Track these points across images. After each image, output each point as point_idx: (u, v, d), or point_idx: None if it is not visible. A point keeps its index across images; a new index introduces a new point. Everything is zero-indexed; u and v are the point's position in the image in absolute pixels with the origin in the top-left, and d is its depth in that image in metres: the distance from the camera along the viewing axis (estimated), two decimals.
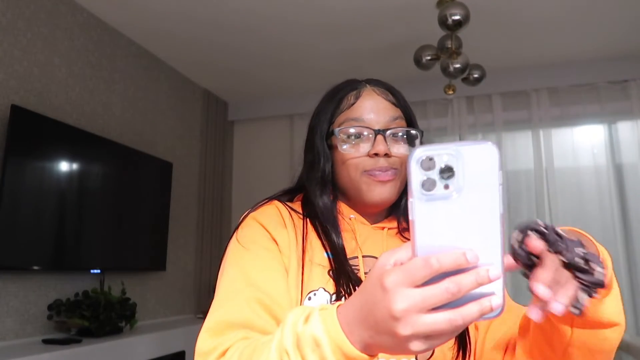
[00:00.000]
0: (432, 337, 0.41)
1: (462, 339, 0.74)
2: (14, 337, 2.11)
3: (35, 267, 2.19)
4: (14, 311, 2.12)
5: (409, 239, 0.82)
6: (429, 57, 2.48)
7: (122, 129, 2.87)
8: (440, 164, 0.41)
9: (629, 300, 3.03)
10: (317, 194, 0.79)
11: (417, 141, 0.81)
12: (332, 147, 0.82)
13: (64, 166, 2.35)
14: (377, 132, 0.77)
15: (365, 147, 0.78)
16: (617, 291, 0.58)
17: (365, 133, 0.78)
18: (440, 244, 0.41)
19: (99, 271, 2.51)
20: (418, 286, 0.41)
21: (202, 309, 3.41)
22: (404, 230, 0.83)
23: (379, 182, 0.77)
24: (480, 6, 2.48)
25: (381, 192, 0.77)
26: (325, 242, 0.76)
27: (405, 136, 0.80)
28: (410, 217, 0.42)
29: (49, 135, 2.27)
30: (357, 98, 0.80)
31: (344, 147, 0.78)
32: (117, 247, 2.67)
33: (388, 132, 0.78)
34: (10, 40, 2.20)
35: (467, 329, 0.75)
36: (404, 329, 0.41)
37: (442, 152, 0.42)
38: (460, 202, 0.41)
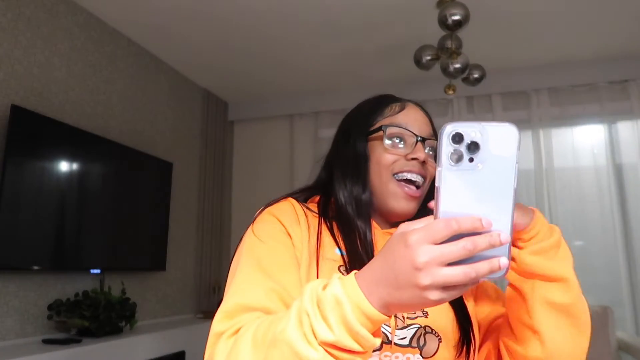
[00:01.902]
0: (449, 289, 0.46)
1: (466, 336, 0.74)
2: (14, 337, 2.12)
3: (35, 267, 2.19)
4: (14, 311, 2.12)
5: None
6: (429, 57, 2.47)
7: (122, 129, 2.87)
8: (467, 139, 0.47)
9: (630, 300, 3.03)
10: (359, 189, 0.81)
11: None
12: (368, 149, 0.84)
13: (64, 166, 2.35)
14: (418, 139, 0.80)
15: (405, 150, 0.80)
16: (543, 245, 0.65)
17: (409, 139, 0.81)
18: (459, 210, 0.47)
19: (99, 271, 2.51)
20: (438, 244, 0.45)
21: (202, 309, 3.41)
22: None
23: (408, 196, 0.79)
24: (480, 6, 2.48)
25: (406, 207, 0.80)
26: (350, 237, 0.77)
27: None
28: (436, 184, 0.47)
29: (49, 135, 2.27)
30: (402, 108, 0.84)
31: (387, 142, 0.80)
32: (117, 247, 2.67)
33: (427, 142, 0.81)
34: (10, 40, 2.20)
35: (471, 328, 0.75)
36: (424, 279, 0.45)
37: (470, 129, 0.47)
38: (481, 174, 0.47)
